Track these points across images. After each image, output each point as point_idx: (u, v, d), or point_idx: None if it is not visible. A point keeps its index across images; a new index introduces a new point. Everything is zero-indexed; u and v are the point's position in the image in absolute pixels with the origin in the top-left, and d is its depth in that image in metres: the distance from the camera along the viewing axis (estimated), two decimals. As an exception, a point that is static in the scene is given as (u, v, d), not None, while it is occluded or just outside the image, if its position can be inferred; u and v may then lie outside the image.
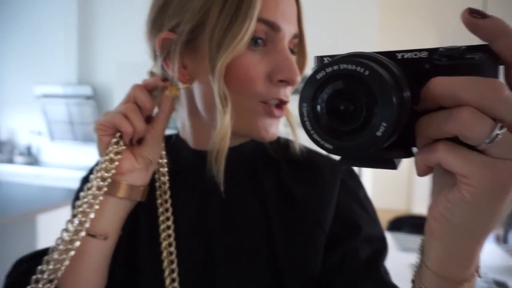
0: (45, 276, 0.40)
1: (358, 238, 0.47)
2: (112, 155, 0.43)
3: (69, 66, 3.94)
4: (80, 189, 0.55)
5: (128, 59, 3.64)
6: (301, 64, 0.48)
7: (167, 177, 0.50)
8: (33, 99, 3.99)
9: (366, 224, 0.48)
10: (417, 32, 4.28)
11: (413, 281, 0.31)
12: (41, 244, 1.98)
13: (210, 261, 0.46)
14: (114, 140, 0.43)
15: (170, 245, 0.47)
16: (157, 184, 0.50)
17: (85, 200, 0.42)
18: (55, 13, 4.04)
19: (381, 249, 0.48)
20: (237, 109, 0.42)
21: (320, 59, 0.27)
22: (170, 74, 0.46)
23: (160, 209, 0.49)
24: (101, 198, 0.42)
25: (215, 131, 0.42)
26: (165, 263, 0.47)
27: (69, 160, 4.09)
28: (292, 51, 0.46)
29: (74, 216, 0.42)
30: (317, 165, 0.51)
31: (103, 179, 0.42)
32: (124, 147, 0.44)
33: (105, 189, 0.43)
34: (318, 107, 0.24)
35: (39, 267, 0.41)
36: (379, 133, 0.22)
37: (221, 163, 0.44)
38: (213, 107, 0.42)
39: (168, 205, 0.49)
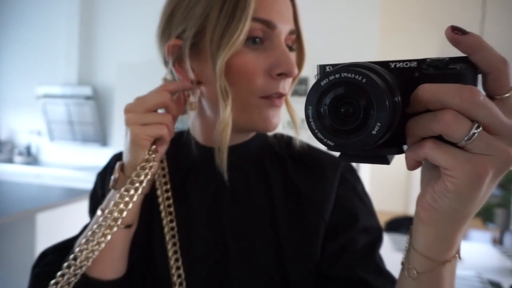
0: (77, 263, 0.45)
1: (356, 228, 0.50)
2: (151, 163, 0.46)
3: (70, 66, 3.95)
4: (97, 183, 0.60)
5: (128, 60, 3.65)
6: (300, 59, 0.52)
7: (166, 170, 0.54)
8: (33, 99, 4.01)
9: (363, 215, 0.52)
10: (419, 35, 4.30)
11: (402, 264, 0.34)
12: (41, 242, 1.99)
13: (224, 250, 0.50)
14: (153, 148, 0.47)
15: (172, 228, 0.51)
16: (157, 179, 0.53)
17: (121, 200, 0.45)
18: (57, 14, 4.05)
19: (377, 238, 0.52)
20: (240, 105, 0.46)
21: (322, 67, 0.30)
22: (179, 78, 0.50)
23: (161, 204, 0.53)
24: (135, 198, 0.46)
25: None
26: (170, 253, 0.50)
27: (68, 160, 4.10)
28: (290, 48, 0.49)
29: (108, 212, 0.45)
30: (319, 161, 0.55)
31: (142, 182, 0.46)
32: (157, 153, 0.48)
33: (139, 191, 0.46)
34: (322, 110, 0.27)
35: (72, 255, 0.45)
36: (374, 132, 0.25)
37: (223, 153, 0.47)
38: (218, 104, 0.46)
39: (169, 194, 0.53)
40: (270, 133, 0.57)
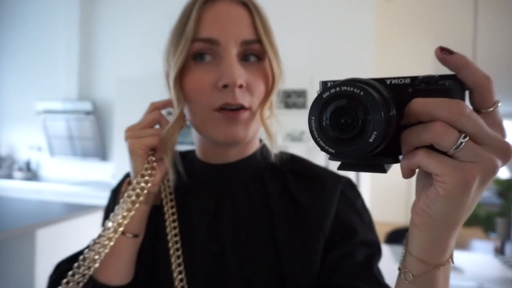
0: (86, 263, 0.49)
1: (354, 241, 0.51)
2: (150, 171, 0.51)
3: (70, 82, 3.99)
4: (110, 199, 0.63)
5: (127, 75, 3.69)
6: (270, 67, 0.51)
7: (171, 184, 0.58)
8: (33, 115, 4.03)
9: (361, 230, 0.53)
10: (413, 45, 4.37)
11: (399, 269, 0.36)
12: (41, 258, 1.97)
13: (223, 260, 0.52)
14: (150, 158, 0.52)
15: (176, 242, 0.54)
16: (163, 192, 0.57)
17: (125, 207, 0.50)
18: (57, 30, 4.11)
19: (375, 252, 0.53)
20: (200, 119, 0.50)
21: (324, 83, 0.33)
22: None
23: (167, 215, 0.56)
24: (137, 205, 0.51)
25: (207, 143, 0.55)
26: (174, 266, 0.53)
27: (68, 175, 4.09)
28: (257, 57, 0.50)
29: (109, 218, 0.51)
30: (320, 176, 0.57)
31: (142, 189, 0.51)
32: (156, 163, 0.53)
33: (141, 198, 0.51)
34: (324, 120, 0.30)
35: (81, 256, 0.50)
36: (371, 140, 0.28)
37: (169, 161, 0.54)
38: (193, 121, 0.52)
39: (174, 210, 0.57)
40: (275, 151, 0.57)
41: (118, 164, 3.47)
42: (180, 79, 0.50)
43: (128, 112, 3.55)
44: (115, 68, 3.91)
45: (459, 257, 1.88)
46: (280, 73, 0.52)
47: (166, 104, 0.55)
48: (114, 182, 3.61)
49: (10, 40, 4.40)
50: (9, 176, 4.09)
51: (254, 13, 0.50)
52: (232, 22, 0.49)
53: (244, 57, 0.50)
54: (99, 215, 2.42)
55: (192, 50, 0.49)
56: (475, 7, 3.10)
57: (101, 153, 3.93)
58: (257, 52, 0.50)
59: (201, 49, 0.49)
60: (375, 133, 0.27)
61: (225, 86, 0.47)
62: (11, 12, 4.39)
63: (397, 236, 2.37)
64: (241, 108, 0.48)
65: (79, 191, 3.62)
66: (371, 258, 0.51)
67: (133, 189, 0.50)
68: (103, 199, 3.56)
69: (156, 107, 0.55)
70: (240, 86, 0.47)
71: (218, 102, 0.48)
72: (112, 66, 3.95)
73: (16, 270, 2.00)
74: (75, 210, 2.30)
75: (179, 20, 0.51)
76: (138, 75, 3.70)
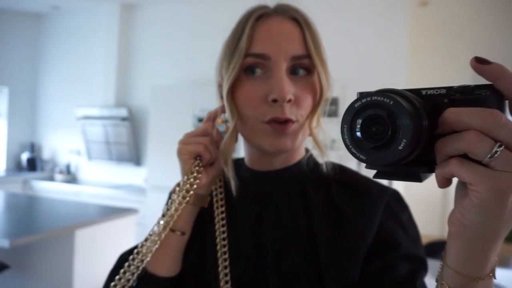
0: (140, 256, 0.55)
1: (397, 254, 0.50)
2: (195, 174, 0.54)
3: (108, 89, 4.18)
4: (167, 201, 0.66)
5: (161, 83, 3.81)
6: (319, 81, 0.52)
7: (222, 189, 0.61)
8: (74, 121, 4.24)
9: (405, 243, 0.51)
10: (450, 51, 4.22)
11: (436, 280, 0.35)
12: (79, 258, 2.06)
13: (263, 262, 0.54)
14: (197, 162, 0.55)
15: (224, 239, 0.58)
16: (214, 196, 0.60)
17: (173, 207, 0.55)
18: (96, 43, 4.34)
19: (419, 268, 0.51)
20: (250, 129, 0.53)
21: (361, 94, 0.34)
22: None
23: (216, 219, 0.59)
24: (183, 205, 0.55)
25: (254, 150, 0.57)
26: (220, 261, 0.56)
27: (103, 178, 4.27)
28: (308, 70, 0.51)
29: (163, 216, 0.55)
30: (366, 187, 0.56)
31: (188, 191, 0.54)
32: (202, 168, 0.55)
33: (187, 198, 0.54)
34: (356, 128, 0.31)
35: (136, 250, 0.55)
36: (400, 147, 0.28)
37: (229, 164, 0.57)
38: (242, 131, 0.54)
39: (223, 209, 0.60)
40: (324, 161, 0.58)
41: (150, 169, 3.58)
42: (232, 92, 0.52)
43: (162, 119, 3.66)
44: (150, 76, 4.05)
45: (500, 275, 1.76)
46: (328, 86, 0.53)
47: (217, 112, 0.59)
48: (147, 186, 3.69)
49: (55, 53, 4.68)
50: (51, 178, 4.33)
51: (304, 29, 0.51)
52: (283, 38, 0.50)
53: (293, 71, 0.51)
54: (133, 217, 2.50)
55: (244, 64, 0.51)
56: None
57: (135, 158, 4.06)
58: (306, 66, 0.51)
59: (253, 63, 0.51)
60: (404, 140, 0.28)
61: (275, 100, 0.48)
62: (56, 27, 4.68)
63: (431, 249, 2.27)
64: (289, 121, 0.50)
65: (113, 194, 3.76)
66: (414, 273, 0.49)
67: (180, 190, 0.54)
68: (135, 202, 3.68)
69: (209, 118, 0.58)
70: (289, 101, 0.48)
71: (268, 115, 0.49)
72: (147, 75, 4.09)
73: (56, 267, 2.11)
74: (110, 212, 2.39)
75: (232, 36, 0.53)
76: (171, 83, 3.81)
